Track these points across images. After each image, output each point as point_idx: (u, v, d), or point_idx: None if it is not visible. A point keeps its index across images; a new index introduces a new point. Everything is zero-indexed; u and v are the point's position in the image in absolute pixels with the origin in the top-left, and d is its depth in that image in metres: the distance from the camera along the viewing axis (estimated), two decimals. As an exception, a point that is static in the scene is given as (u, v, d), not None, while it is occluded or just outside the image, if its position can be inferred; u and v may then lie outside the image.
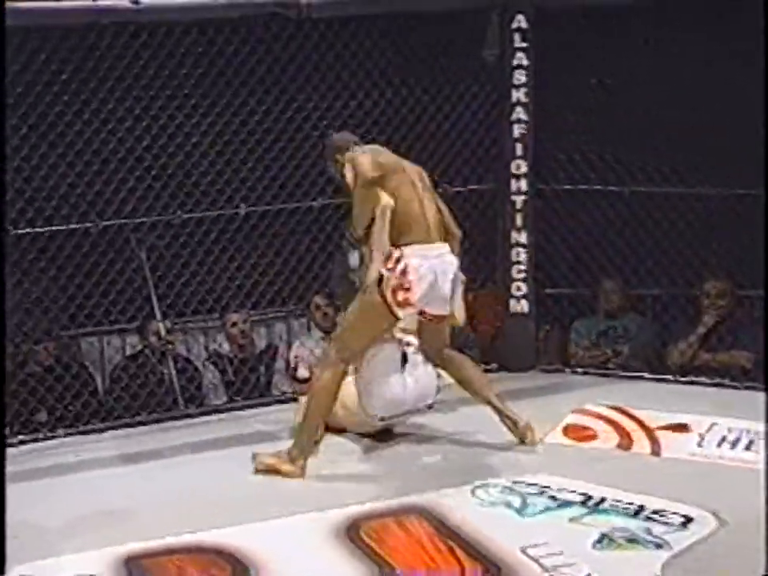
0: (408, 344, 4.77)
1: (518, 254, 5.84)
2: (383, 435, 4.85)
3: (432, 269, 4.38)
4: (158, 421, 5.35)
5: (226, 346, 6.19)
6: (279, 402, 5.51)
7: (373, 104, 5.69)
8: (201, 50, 5.42)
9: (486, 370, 5.77)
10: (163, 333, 5.88)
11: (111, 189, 5.43)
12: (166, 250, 5.66)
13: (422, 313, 4.52)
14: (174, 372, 5.83)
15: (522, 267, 5.84)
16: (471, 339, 6.03)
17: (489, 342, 6.06)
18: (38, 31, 4.85)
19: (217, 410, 5.54)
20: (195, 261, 5.66)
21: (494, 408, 4.68)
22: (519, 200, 5.81)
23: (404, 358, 4.74)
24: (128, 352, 6.23)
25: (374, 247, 4.45)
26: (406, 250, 4.37)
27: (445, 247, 4.47)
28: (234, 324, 6.12)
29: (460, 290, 4.58)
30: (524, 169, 5.78)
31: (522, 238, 5.83)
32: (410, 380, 4.72)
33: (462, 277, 4.57)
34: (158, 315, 5.87)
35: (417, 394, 4.75)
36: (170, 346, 5.92)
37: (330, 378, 4.42)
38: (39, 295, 5.48)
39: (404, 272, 4.33)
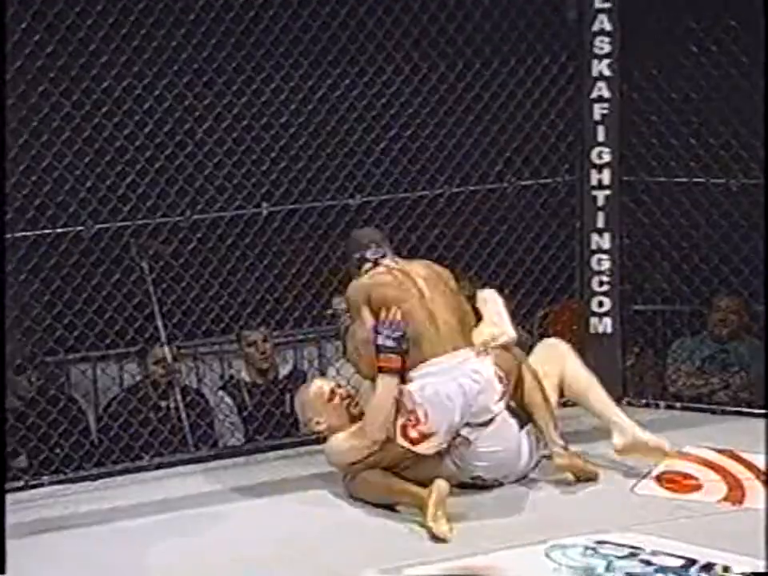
0: None
1: (599, 261, 5.80)
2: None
3: None
4: (162, 466, 5.34)
5: (244, 374, 6.19)
6: (308, 443, 5.39)
7: (421, 80, 5.62)
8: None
9: (562, 404, 5.73)
10: (169, 359, 5.94)
11: (107, 185, 5.32)
12: (173, 258, 5.60)
13: None
14: (181, 406, 5.87)
15: (605, 278, 5.80)
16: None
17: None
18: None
19: (234, 452, 5.52)
20: (208, 271, 5.59)
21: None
22: (601, 195, 5.79)
23: None
24: (126, 382, 6.27)
25: None
26: None
27: None
28: (253, 343, 6.12)
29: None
30: (607, 157, 5.75)
31: (605, 242, 5.79)
32: None
33: None
34: (163, 338, 5.92)
35: None
36: (177, 375, 5.99)
37: None
38: (20, 314, 5.46)
39: None
